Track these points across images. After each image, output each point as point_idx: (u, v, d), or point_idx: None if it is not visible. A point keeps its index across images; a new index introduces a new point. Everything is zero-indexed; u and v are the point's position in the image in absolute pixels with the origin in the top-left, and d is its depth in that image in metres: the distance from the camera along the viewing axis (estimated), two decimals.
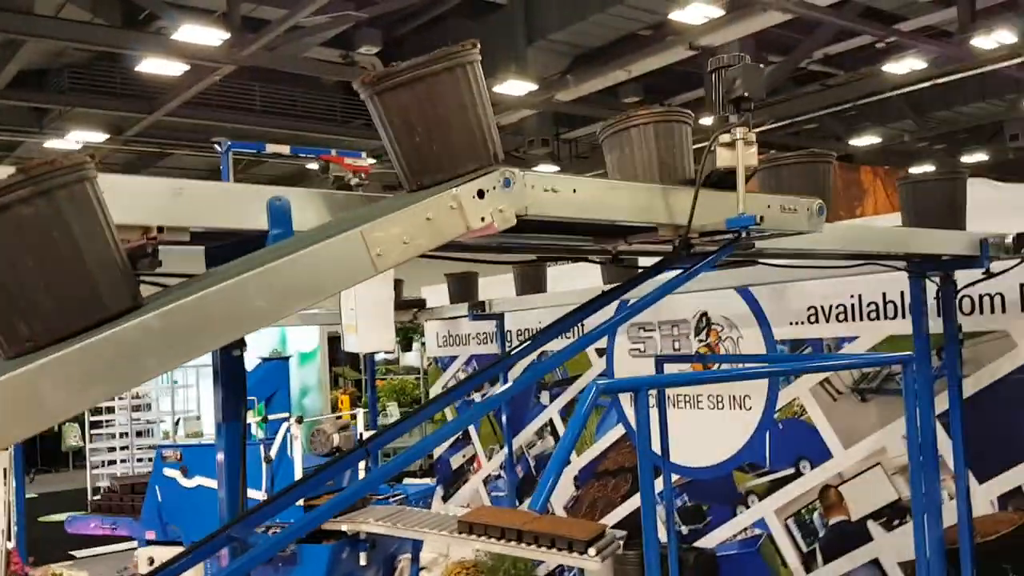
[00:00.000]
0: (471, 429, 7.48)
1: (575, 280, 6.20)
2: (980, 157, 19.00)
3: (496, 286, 6.98)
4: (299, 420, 4.77)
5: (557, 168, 18.38)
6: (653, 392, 6.10)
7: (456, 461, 7.57)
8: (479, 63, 1.95)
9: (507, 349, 6.95)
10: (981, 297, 4.60)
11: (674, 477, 6.02)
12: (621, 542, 4.46)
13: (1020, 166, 19.86)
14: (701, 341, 5.92)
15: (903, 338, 4.79)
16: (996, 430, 4.55)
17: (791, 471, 5.41)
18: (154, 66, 10.87)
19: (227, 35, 10.02)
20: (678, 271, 2.63)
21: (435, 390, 7.91)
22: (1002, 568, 4.51)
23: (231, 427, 2.11)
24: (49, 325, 1.46)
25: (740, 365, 5.57)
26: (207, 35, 9.81)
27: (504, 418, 6.90)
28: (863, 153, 19.09)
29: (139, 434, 10.65)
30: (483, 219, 1.87)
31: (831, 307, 5.23)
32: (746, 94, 2.28)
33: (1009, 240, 3.98)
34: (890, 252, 3.81)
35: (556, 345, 6.87)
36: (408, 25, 13.24)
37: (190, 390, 10.83)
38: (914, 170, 20.50)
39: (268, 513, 2.61)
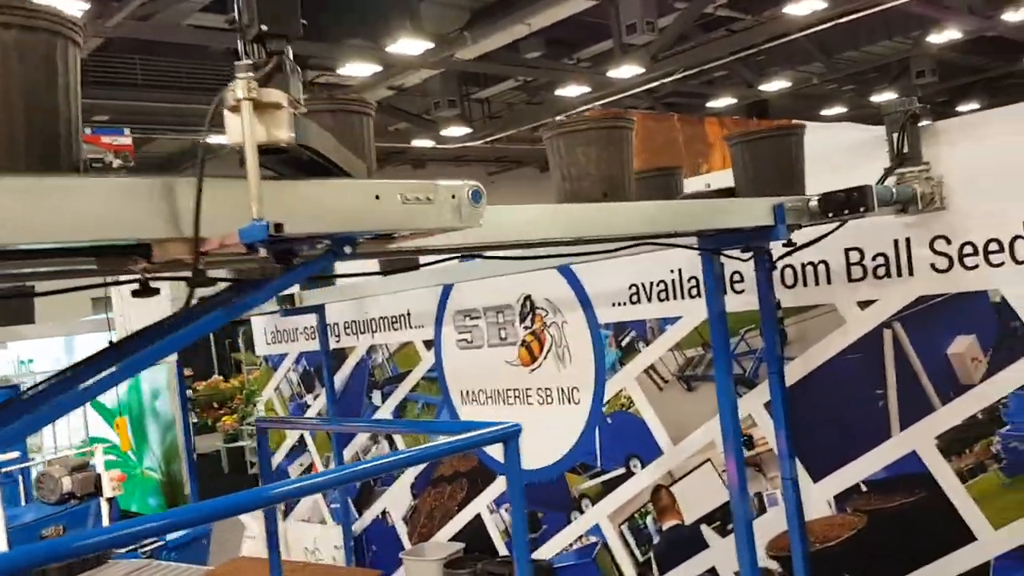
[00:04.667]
0: (307, 436, 6.73)
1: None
2: (889, 95, 18.60)
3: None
4: None
5: (469, 130, 17.63)
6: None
7: (294, 471, 6.83)
8: None
9: (330, 345, 6.21)
10: (804, 267, 3.96)
11: None
12: None
13: (928, 103, 19.53)
14: (527, 328, 5.22)
15: (731, 316, 4.14)
16: (829, 420, 3.94)
17: (622, 471, 4.77)
18: None
19: (87, 5, 9.15)
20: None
21: (267, 392, 7.13)
22: None
23: None
24: None
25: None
26: (65, 5, 8.82)
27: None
28: (775, 98, 18.69)
29: None
30: None
31: (652, 284, 4.56)
32: (265, 27, 1.51)
33: (814, 203, 3.32)
34: (665, 232, 3.10)
35: (388, 337, 6.15)
36: None
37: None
38: (826, 112, 20.15)
39: None
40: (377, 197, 1.76)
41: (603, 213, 2.79)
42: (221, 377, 15.72)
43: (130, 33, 10.33)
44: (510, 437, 2.50)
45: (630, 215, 2.85)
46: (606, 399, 4.80)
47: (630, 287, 4.65)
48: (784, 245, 3.33)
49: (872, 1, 12.23)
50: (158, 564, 4.23)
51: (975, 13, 13.86)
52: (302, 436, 6.77)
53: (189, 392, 14.21)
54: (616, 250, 3.19)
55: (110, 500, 4.23)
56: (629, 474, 4.73)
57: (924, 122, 3.68)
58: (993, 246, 3.45)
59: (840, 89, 19.30)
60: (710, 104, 19.01)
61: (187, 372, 14.67)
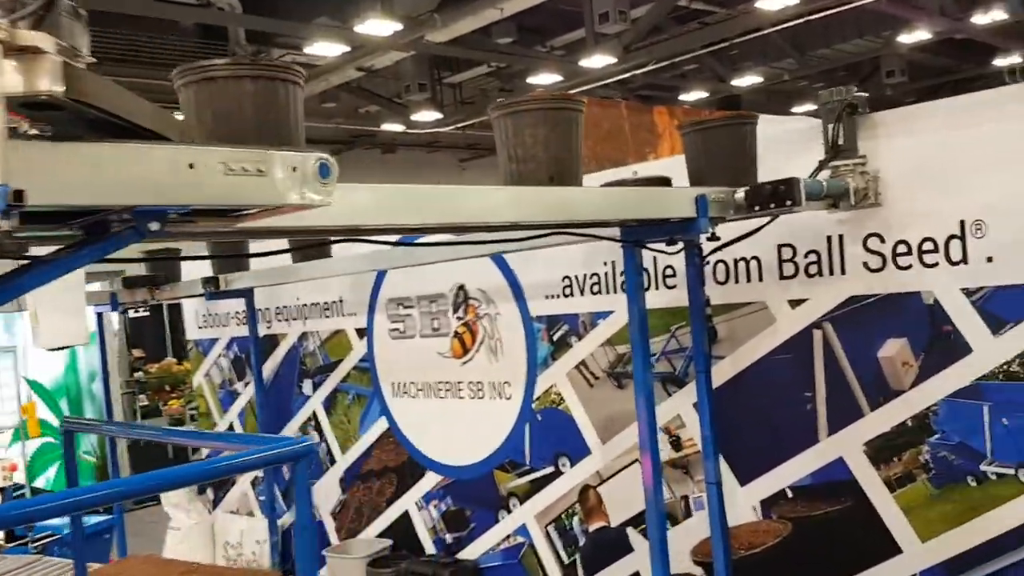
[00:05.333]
0: (237, 425, 6.50)
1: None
2: (859, 95, 18.52)
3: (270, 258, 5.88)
4: None
5: (440, 116, 17.36)
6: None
7: None
8: None
9: (260, 331, 5.98)
10: (736, 262, 3.79)
11: (438, 478, 5.20)
12: None
13: (898, 103, 19.51)
14: (459, 319, 5.02)
15: (662, 312, 3.99)
16: (757, 422, 3.78)
17: (551, 469, 4.60)
18: None
19: None
20: None
21: (197, 378, 6.89)
22: None
23: None
24: None
25: None
26: None
27: (258, 413, 5.95)
28: (747, 93, 18.60)
29: None
30: None
31: (585, 277, 4.37)
32: None
33: (740, 195, 3.14)
34: (580, 220, 2.91)
35: (319, 324, 5.93)
36: None
37: None
38: (796, 109, 20.06)
39: None
40: (191, 166, 1.54)
41: (545, 197, 2.60)
42: (174, 360, 15.38)
43: (92, 5, 10.03)
44: (301, 455, 2.30)
45: (573, 199, 2.68)
46: (537, 395, 4.62)
47: (563, 279, 4.46)
48: (708, 239, 3.15)
49: None
50: (46, 560, 3.98)
51: (946, 14, 13.81)
52: (231, 425, 6.54)
53: (140, 374, 13.90)
54: (529, 239, 3.00)
55: (2, 489, 3.98)
56: (558, 473, 4.56)
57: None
58: (928, 245, 3.29)
59: (811, 86, 19.24)
60: (682, 97, 18.90)
61: (139, 354, 14.37)
